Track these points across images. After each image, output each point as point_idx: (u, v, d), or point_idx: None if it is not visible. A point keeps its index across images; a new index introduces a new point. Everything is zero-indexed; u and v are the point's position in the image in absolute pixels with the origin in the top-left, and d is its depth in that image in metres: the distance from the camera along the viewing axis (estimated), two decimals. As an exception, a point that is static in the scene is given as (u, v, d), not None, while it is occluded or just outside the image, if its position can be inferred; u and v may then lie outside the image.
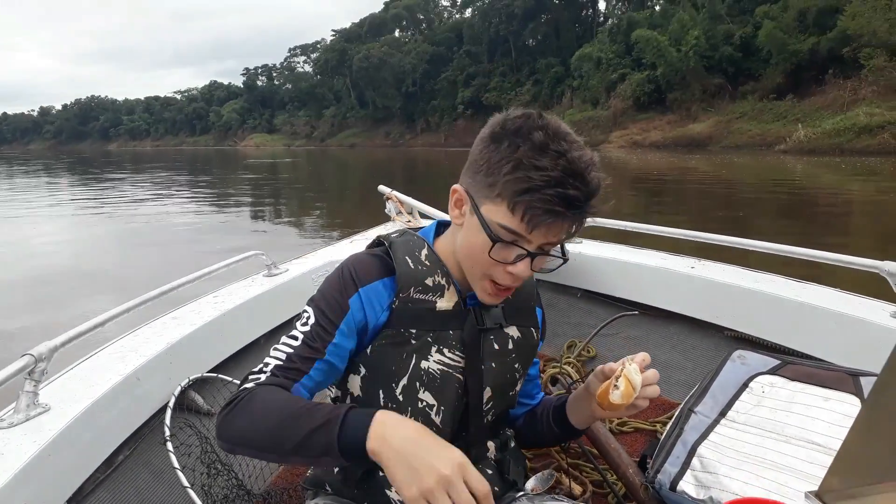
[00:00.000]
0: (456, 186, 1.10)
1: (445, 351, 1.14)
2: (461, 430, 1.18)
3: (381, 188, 3.55)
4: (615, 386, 1.07)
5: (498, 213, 1.03)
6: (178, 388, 1.69)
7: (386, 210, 3.48)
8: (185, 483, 1.45)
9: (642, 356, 1.10)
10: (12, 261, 9.62)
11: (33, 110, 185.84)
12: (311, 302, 1.14)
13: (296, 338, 1.10)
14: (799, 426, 1.37)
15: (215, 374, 1.87)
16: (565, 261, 1.12)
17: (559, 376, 1.87)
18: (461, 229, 1.11)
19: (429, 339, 1.13)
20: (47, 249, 10.27)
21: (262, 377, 1.06)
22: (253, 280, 2.36)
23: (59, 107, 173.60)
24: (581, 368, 2.25)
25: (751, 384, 1.51)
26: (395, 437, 0.93)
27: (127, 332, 1.84)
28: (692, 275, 2.25)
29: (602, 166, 1.04)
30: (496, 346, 1.19)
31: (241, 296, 2.16)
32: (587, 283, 2.58)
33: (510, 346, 1.21)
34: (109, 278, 8.21)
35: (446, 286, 1.15)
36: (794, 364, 1.55)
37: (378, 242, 1.20)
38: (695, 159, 29.43)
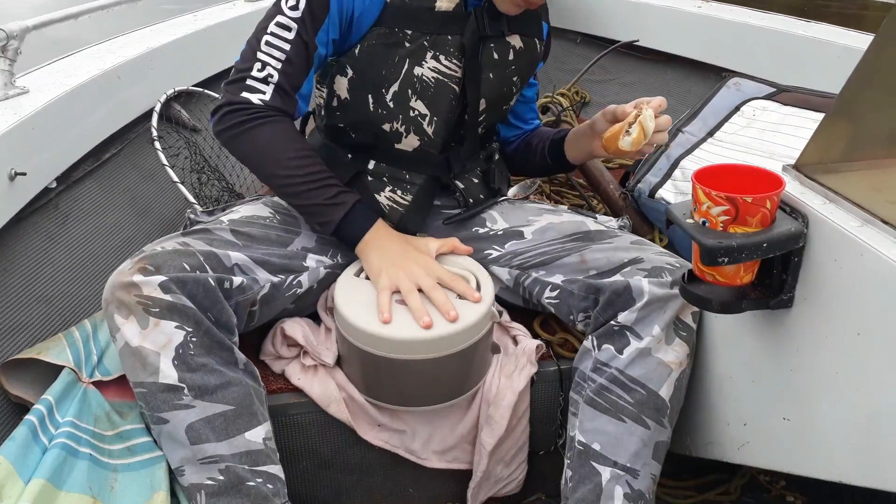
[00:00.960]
0: None
1: (442, 58, 1.07)
2: (453, 140, 1.16)
3: None
4: (627, 132, 1.01)
5: None
6: (164, 96, 1.66)
7: None
8: (175, 178, 1.47)
9: (659, 101, 1.03)
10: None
11: None
12: None
13: (288, 28, 1.02)
14: (785, 145, 1.35)
15: (202, 90, 1.83)
16: None
17: (550, 104, 1.83)
18: None
19: (425, 42, 1.06)
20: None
21: (267, 93, 1.02)
22: (234, 4, 2.27)
23: None
24: (572, 98, 2.19)
25: (742, 108, 1.47)
26: (385, 245, 1.05)
27: (104, 40, 1.78)
28: (698, 13, 2.13)
29: None
30: (496, 56, 1.12)
31: (221, 17, 2.07)
32: (587, 25, 2.45)
33: (511, 56, 1.14)
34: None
35: None
36: (789, 91, 1.49)
37: None
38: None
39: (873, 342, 0.68)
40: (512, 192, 1.28)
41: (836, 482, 0.75)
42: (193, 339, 0.88)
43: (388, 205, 1.15)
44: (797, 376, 0.80)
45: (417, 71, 1.07)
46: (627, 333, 0.98)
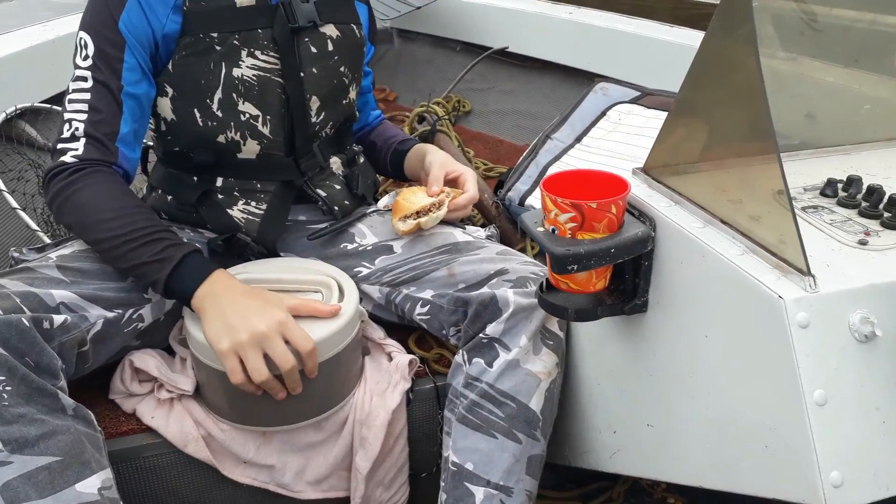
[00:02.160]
0: None
1: (258, 53, 1.03)
2: (299, 140, 1.11)
3: None
4: (404, 218, 1.09)
5: None
6: (3, 115, 1.52)
7: None
8: (14, 204, 1.35)
9: (466, 200, 1.13)
10: None
11: None
12: (82, 26, 1.00)
13: (84, 78, 0.97)
14: (647, 148, 1.37)
15: (51, 106, 1.69)
16: None
17: (426, 114, 1.81)
18: None
19: (235, 41, 1.01)
20: None
21: (79, 148, 0.95)
22: None
23: None
24: (447, 107, 2.19)
25: (609, 112, 1.50)
26: (222, 297, 0.90)
27: None
28: (569, 20, 2.18)
29: None
30: (313, 49, 1.08)
31: (75, 28, 1.93)
32: (466, 34, 2.46)
33: (330, 47, 1.11)
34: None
35: None
36: (653, 95, 1.54)
37: None
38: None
39: (719, 343, 0.69)
40: (383, 202, 1.24)
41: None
42: (8, 388, 0.79)
43: (242, 218, 1.10)
44: (656, 381, 0.80)
45: (236, 72, 1.02)
46: (496, 345, 0.96)
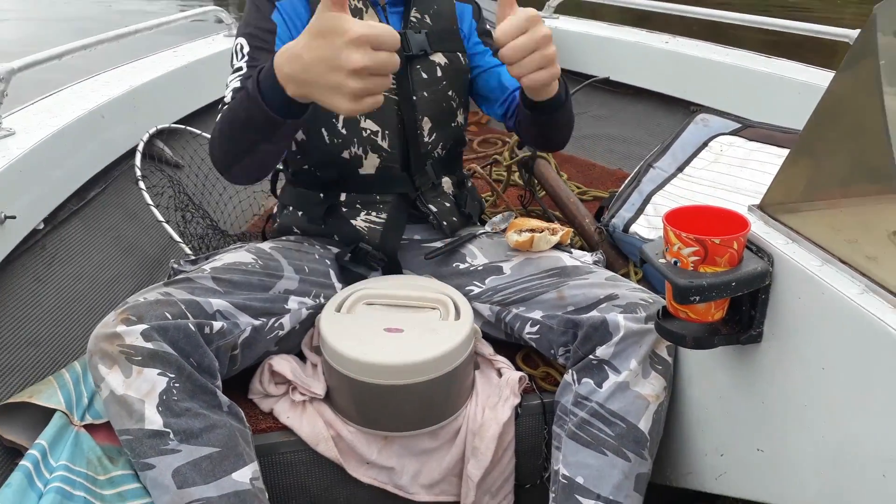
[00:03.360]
0: None
1: None
2: (414, 155, 1.22)
3: None
4: (521, 231, 1.20)
5: None
6: (147, 135, 1.68)
7: None
8: (160, 217, 1.49)
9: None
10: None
11: None
12: (238, 32, 1.13)
13: (239, 69, 1.09)
14: (751, 180, 1.41)
15: (183, 126, 1.85)
16: None
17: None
18: None
19: None
20: None
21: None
22: (213, 39, 2.33)
23: None
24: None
25: (710, 143, 1.53)
26: (297, 69, 0.80)
27: (86, 77, 1.81)
28: (665, 49, 2.23)
29: None
30: (424, 75, 1.21)
31: (201, 52, 2.11)
32: (564, 61, 2.52)
33: (439, 73, 1.22)
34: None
35: (364, 8, 1.15)
36: (754, 127, 1.56)
37: None
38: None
39: (836, 377, 0.73)
40: (492, 223, 1.33)
41: None
42: (176, 385, 0.90)
43: (365, 227, 1.22)
44: (769, 408, 0.84)
45: None
46: (606, 367, 1.01)
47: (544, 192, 1.80)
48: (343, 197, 1.22)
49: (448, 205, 1.29)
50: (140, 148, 1.61)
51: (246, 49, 1.10)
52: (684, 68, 2.18)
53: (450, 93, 1.25)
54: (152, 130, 1.71)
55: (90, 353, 0.91)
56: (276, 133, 0.92)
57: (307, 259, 1.18)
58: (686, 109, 2.22)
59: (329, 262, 1.21)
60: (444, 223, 1.27)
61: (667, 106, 2.27)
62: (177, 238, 1.47)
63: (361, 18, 1.13)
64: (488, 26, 1.33)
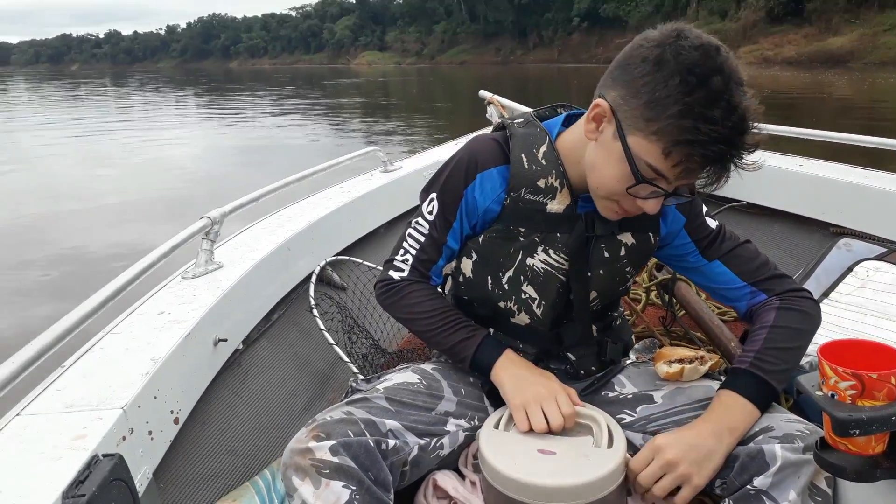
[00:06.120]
0: (600, 101, 1.05)
1: (551, 252, 1.20)
2: (564, 318, 1.27)
3: (482, 93, 3.54)
4: (670, 362, 1.23)
5: (649, 152, 0.99)
6: (318, 266, 1.91)
7: (487, 115, 3.50)
8: (331, 341, 1.67)
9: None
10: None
11: (160, 29, 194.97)
12: (433, 188, 1.25)
13: (423, 226, 1.25)
14: (901, 306, 1.40)
15: (347, 257, 2.09)
16: (691, 199, 1.11)
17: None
18: (593, 144, 1.09)
19: (536, 238, 1.20)
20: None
21: (406, 270, 1.26)
22: (372, 175, 2.60)
23: (183, 25, 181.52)
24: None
25: (855, 269, 1.54)
26: (512, 370, 1.18)
27: (272, 212, 2.09)
28: (800, 172, 2.24)
29: None
30: (606, 254, 1.21)
31: (363, 188, 2.38)
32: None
33: (622, 252, 1.22)
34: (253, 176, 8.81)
35: (559, 188, 1.17)
36: (903, 251, 1.56)
37: (501, 126, 1.26)
38: (833, 77, 26.97)
39: None
40: (634, 351, 1.38)
41: None
42: (357, 497, 1.00)
43: None
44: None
45: (529, 261, 1.21)
46: (764, 498, 1.00)
47: (684, 313, 1.83)
48: (492, 332, 1.29)
49: (590, 352, 1.31)
50: (313, 278, 1.83)
51: (436, 211, 1.24)
52: (822, 190, 2.19)
53: (628, 269, 1.24)
54: (322, 263, 1.94)
55: (285, 466, 1.04)
56: (452, 358, 1.25)
57: (464, 381, 1.28)
58: (825, 231, 2.20)
59: (482, 386, 1.29)
60: (582, 372, 1.31)
61: (805, 227, 2.26)
62: (345, 358, 1.64)
63: (554, 197, 1.17)
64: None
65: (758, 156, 1.03)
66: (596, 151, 1.08)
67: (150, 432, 1.08)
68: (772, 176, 2.34)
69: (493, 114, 3.46)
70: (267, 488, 1.17)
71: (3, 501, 0.80)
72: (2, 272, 5.44)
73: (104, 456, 0.89)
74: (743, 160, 0.98)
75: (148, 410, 1.08)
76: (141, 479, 1.00)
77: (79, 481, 0.83)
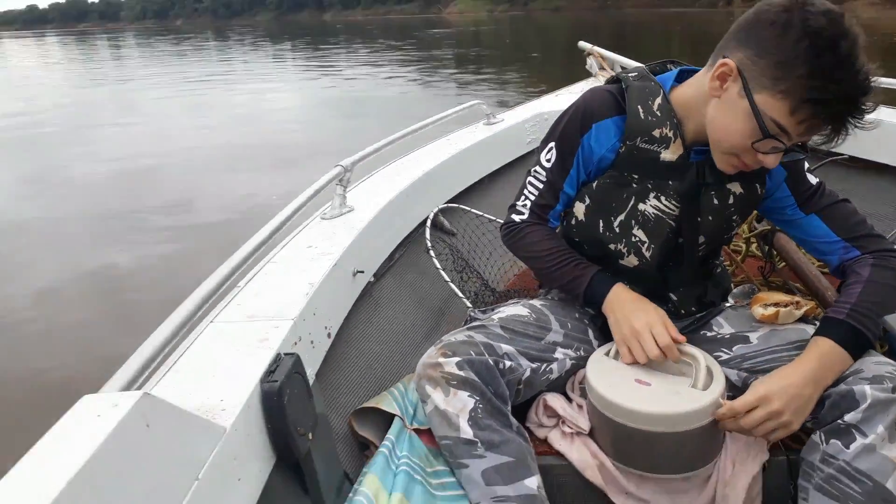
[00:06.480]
0: (727, 60, 1.10)
1: (662, 198, 1.28)
2: (670, 261, 1.35)
3: (582, 44, 3.49)
4: (766, 305, 1.29)
5: (775, 109, 1.05)
6: (432, 212, 2.08)
7: (587, 66, 3.48)
8: (447, 278, 1.84)
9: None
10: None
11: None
12: (551, 137, 1.35)
13: (541, 174, 1.36)
14: None
15: (455, 204, 2.25)
16: (805, 155, 1.17)
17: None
18: (716, 101, 1.14)
19: (648, 185, 1.28)
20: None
21: (525, 214, 1.38)
22: (476, 127, 2.71)
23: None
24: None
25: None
26: (619, 303, 1.29)
27: (390, 161, 2.26)
28: None
29: None
30: (715, 202, 1.27)
31: (468, 139, 2.51)
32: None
33: (731, 200, 1.28)
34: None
35: (673, 138, 1.23)
36: None
37: (616, 79, 1.33)
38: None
39: None
40: (732, 296, 1.45)
41: None
42: (481, 406, 1.17)
43: None
44: None
45: (641, 207, 1.30)
46: (853, 431, 1.06)
47: (783, 264, 1.87)
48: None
49: (692, 294, 1.40)
50: (428, 224, 2.00)
51: (554, 158, 1.33)
52: None
53: (734, 217, 1.30)
54: (436, 209, 2.11)
55: (418, 376, 1.22)
56: (568, 293, 1.39)
57: (570, 317, 1.40)
58: None
59: (587, 322, 1.41)
60: (682, 311, 1.39)
61: None
62: (459, 294, 1.81)
63: (668, 147, 1.23)
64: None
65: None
66: (720, 108, 1.14)
67: (312, 342, 1.27)
68: (876, 129, 2.28)
69: (592, 65, 3.45)
70: (402, 396, 1.36)
71: (217, 384, 1.01)
72: (135, 214, 6.03)
73: (286, 354, 1.09)
74: (863, 118, 1.05)
75: (311, 323, 1.27)
76: (309, 376, 1.20)
77: (270, 371, 1.05)
